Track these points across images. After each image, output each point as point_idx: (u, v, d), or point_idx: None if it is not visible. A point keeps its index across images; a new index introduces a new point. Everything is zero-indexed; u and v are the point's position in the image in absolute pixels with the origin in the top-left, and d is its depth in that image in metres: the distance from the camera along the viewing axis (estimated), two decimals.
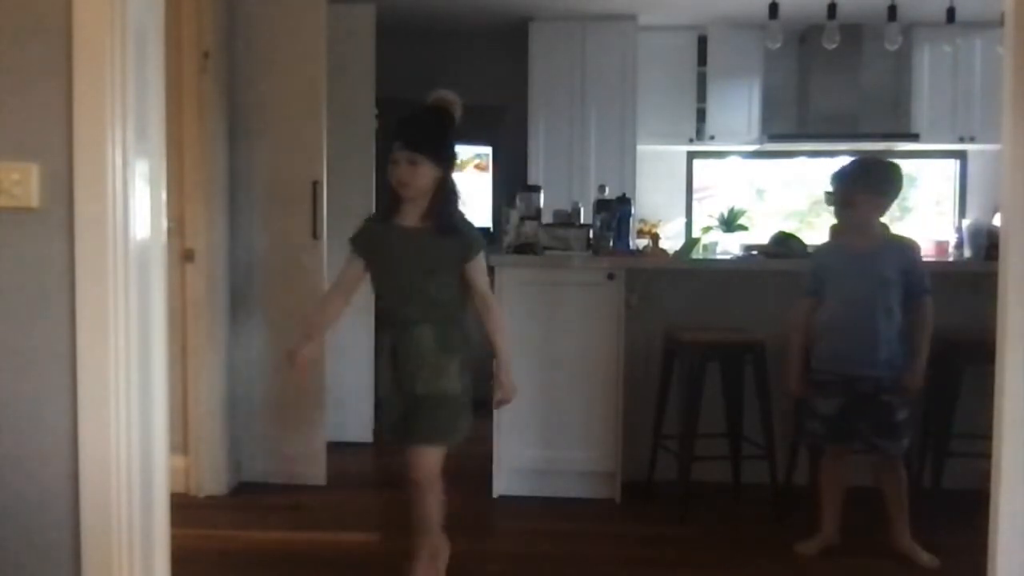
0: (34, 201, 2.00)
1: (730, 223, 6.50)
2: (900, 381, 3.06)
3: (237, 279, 3.92)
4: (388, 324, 2.65)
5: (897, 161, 3.38)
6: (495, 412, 3.75)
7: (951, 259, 5.86)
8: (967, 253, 5.84)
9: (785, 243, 4.10)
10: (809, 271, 3.26)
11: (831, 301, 3.15)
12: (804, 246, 4.12)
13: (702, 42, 6.37)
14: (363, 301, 4.67)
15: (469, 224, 2.70)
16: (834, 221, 3.44)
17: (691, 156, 6.73)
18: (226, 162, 3.83)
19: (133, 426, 2.08)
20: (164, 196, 2.26)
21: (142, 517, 2.12)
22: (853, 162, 3.32)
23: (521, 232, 3.92)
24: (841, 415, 3.11)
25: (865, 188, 3.11)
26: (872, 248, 3.11)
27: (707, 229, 6.49)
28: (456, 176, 2.70)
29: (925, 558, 3.08)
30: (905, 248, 3.15)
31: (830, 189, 3.22)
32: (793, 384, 3.22)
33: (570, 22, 6.13)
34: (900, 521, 3.15)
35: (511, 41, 6.25)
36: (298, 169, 3.90)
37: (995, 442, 2.24)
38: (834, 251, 3.28)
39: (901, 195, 3.24)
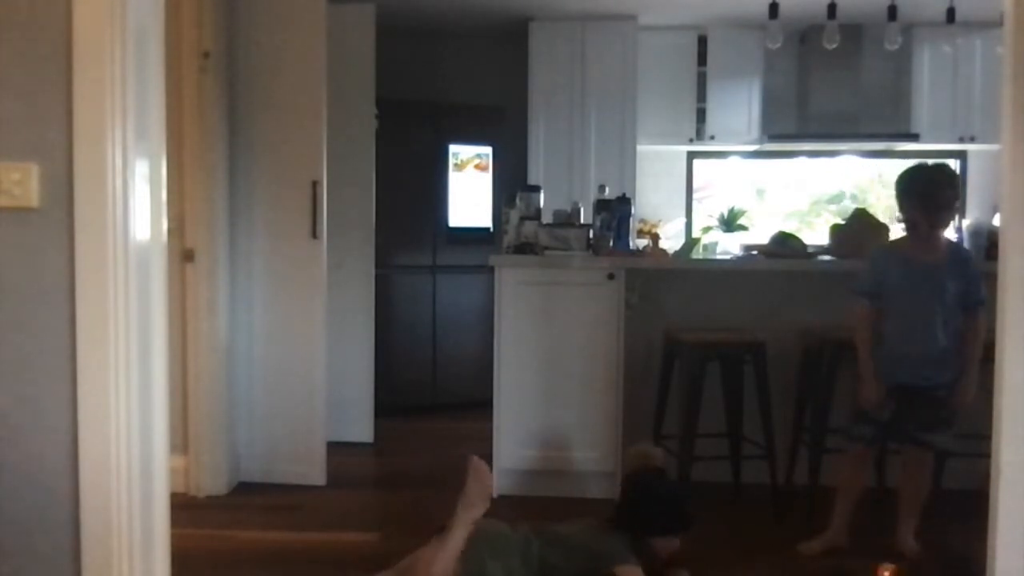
0: (34, 201, 2.00)
1: (730, 223, 6.49)
2: (952, 390, 3.03)
3: (237, 279, 3.93)
4: None
5: (922, 162, 3.30)
6: (495, 411, 3.77)
7: None
8: None
9: (785, 243, 4.10)
10: (868, 275, 3.16)
11: (893, 313, 3.09)
12: (804, 246, 4.13)
13: (702, 42, 6.35)
14: (362, 303, 4.74)
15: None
16: (835, 221, 3.42)
17: (691, 156, 6.72)
18: (226, 162, 3.83)
19: (133, 426, 2.08)
20: (164, 196, 2.26)
21: (142, 517, 2.12)
22: (913, 181, 3.15)
23: (521, 232, 3.92)
24: (892, 419, 3.10)
25: (935, 204, 3.06)
26: (937, 261, 3.07)
27: (707, 229, 6.49)
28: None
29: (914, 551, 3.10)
30: (966, 259, 3.13)
31: (901, 213, 3.13)
32: (869, 395, 3.09)
33: (570, 22, 6.12)
34: (909, 521, 3.16)
35: (511, 41, 6.24)
36: (298, 169, 3.90)
37: (995, 442, 2.24)
38: (899, 262, 3.11)
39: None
